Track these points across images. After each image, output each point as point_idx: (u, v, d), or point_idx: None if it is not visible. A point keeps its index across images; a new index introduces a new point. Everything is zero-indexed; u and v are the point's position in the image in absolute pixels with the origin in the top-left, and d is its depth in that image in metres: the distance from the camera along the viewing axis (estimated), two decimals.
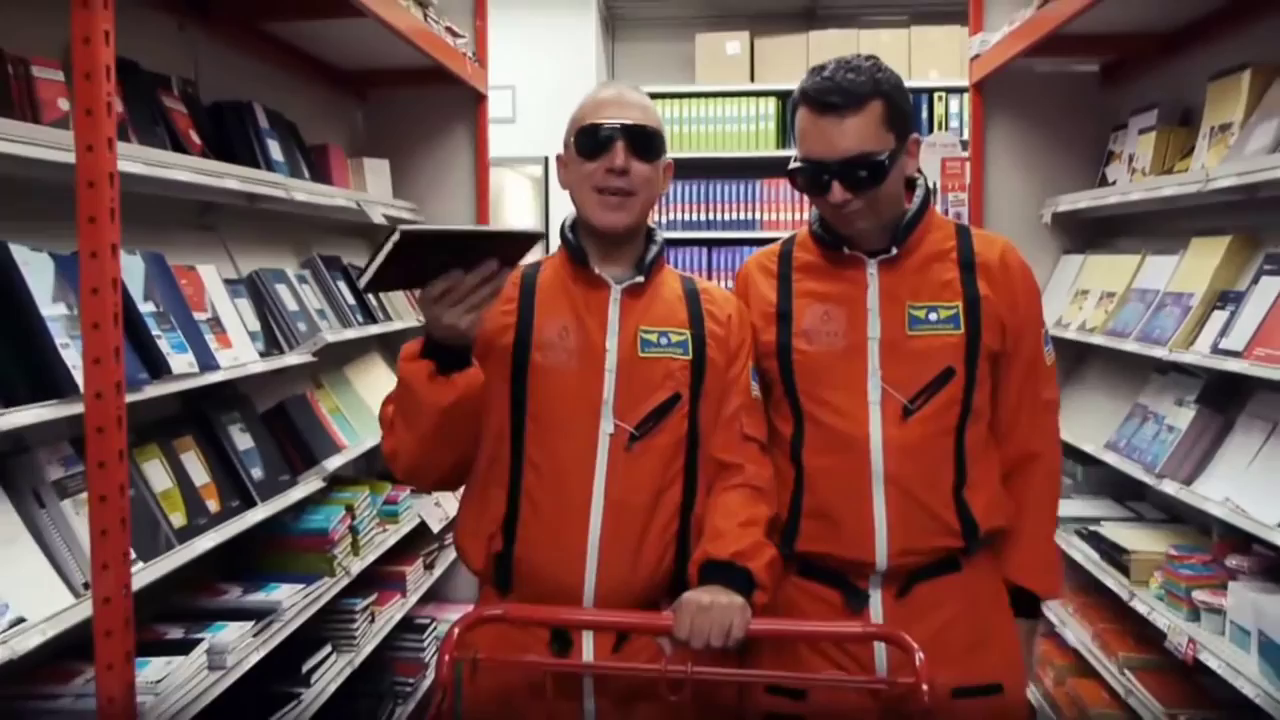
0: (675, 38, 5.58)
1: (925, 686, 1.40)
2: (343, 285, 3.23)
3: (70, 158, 1.62)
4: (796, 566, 1.74)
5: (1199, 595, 2.34)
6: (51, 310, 1.75)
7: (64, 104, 2.01)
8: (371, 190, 3.57)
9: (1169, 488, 2.49)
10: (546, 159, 5.23)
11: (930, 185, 1.78)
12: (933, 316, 1.70)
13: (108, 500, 1.60)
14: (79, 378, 1.68)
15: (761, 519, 1.64)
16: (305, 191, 2.77)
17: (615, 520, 1.60)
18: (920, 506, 1.67)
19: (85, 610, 1.69)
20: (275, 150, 2.83)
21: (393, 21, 2.80)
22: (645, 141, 1.64)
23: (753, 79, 5.36)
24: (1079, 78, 3.74)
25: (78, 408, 1.65)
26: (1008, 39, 3.49)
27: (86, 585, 1.75)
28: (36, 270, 1.77)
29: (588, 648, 1.60)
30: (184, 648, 2.07)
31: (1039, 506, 1.80)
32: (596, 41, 5.37)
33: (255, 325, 2.59)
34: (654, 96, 5.07)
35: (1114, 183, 3.35)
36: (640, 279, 1.67)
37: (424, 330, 1.50)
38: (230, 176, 2.33)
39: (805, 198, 1.81)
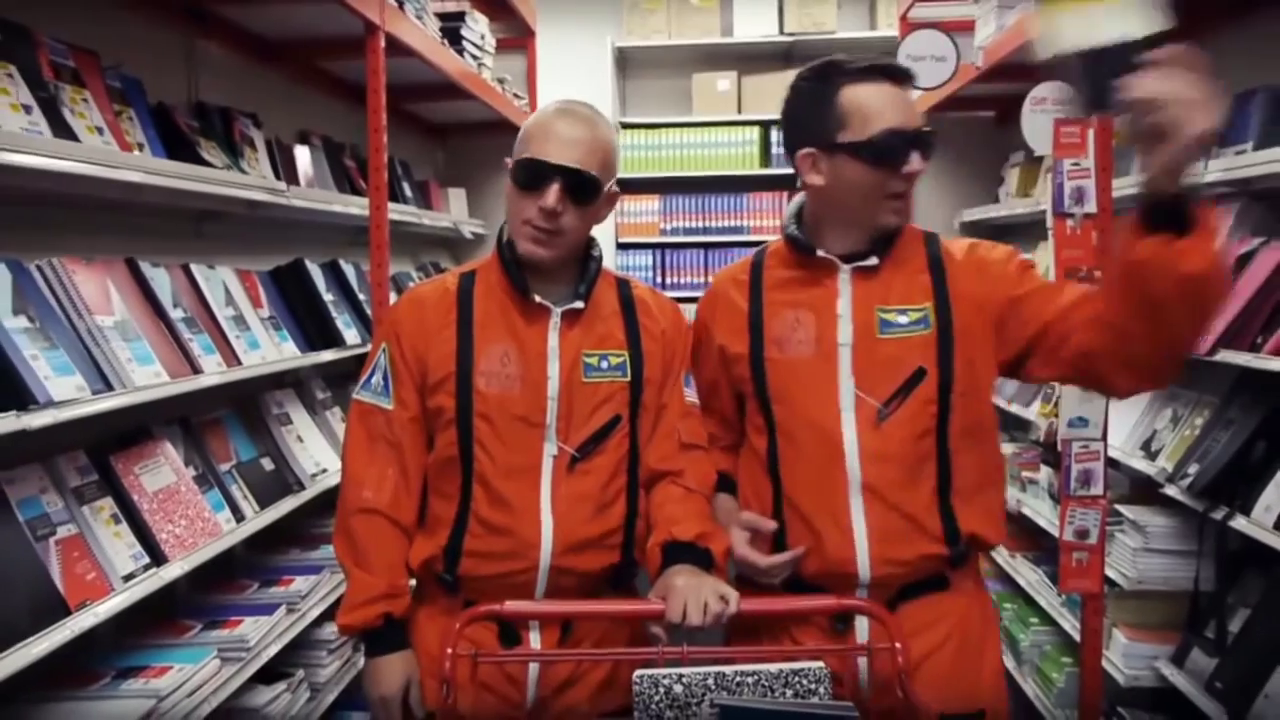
0: (676, 76, 6.65)
1: (898, 645, 1.45)
2: None
3: (339, 208, 2.91)
4: (783, 588, 1.69)
5: (1025, 474, 3.59)
6: (328, 296, 3.01)
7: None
8: (453, 212, 4.83)
9: (1016, 409, 3.75)
10: None
11: None
12: (903, 319, 1.64)
13: None
14: (347, 335, 2.95)
15: (709, 513, 1.70)
16: (429, 218, 4.02)
17: (563, 535, 1.63)
18: (900, 514, 1.61)
19: None
20: (407, 189, 4.09)
21: (492, 103, 4.07)
22: (580, 187, 1.59)
23: (740, 110, 6.49)
24: (981, 121, 5.01)
25: (348, 353, 2.92)
26: (922, 98, 4.75)
27: None
28: (316, 273, 3.03)
29: (535, 639, 1.65)
30: None
31: None
32: (611, 79, 6.51)
33: None
34: (657, 126, 6.34)
35: (1000, 201, 4.62)
36: (580, 305, 1.66)
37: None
38: (395, 211, 3.59)
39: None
